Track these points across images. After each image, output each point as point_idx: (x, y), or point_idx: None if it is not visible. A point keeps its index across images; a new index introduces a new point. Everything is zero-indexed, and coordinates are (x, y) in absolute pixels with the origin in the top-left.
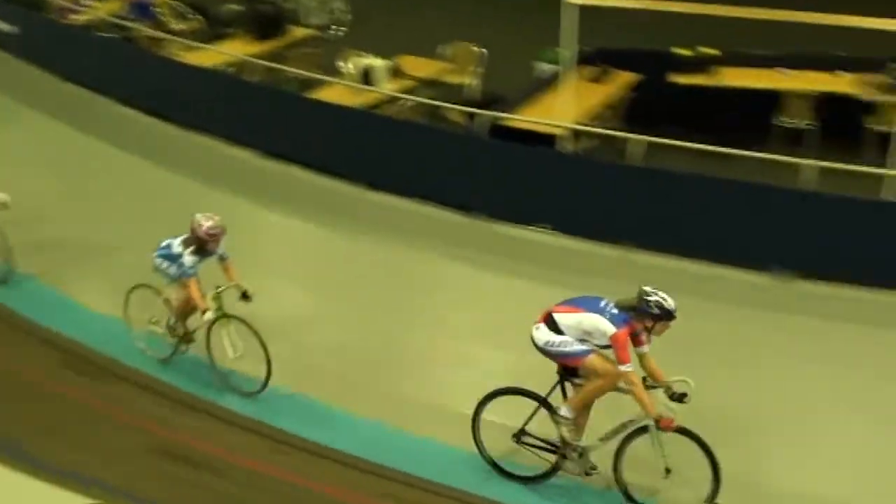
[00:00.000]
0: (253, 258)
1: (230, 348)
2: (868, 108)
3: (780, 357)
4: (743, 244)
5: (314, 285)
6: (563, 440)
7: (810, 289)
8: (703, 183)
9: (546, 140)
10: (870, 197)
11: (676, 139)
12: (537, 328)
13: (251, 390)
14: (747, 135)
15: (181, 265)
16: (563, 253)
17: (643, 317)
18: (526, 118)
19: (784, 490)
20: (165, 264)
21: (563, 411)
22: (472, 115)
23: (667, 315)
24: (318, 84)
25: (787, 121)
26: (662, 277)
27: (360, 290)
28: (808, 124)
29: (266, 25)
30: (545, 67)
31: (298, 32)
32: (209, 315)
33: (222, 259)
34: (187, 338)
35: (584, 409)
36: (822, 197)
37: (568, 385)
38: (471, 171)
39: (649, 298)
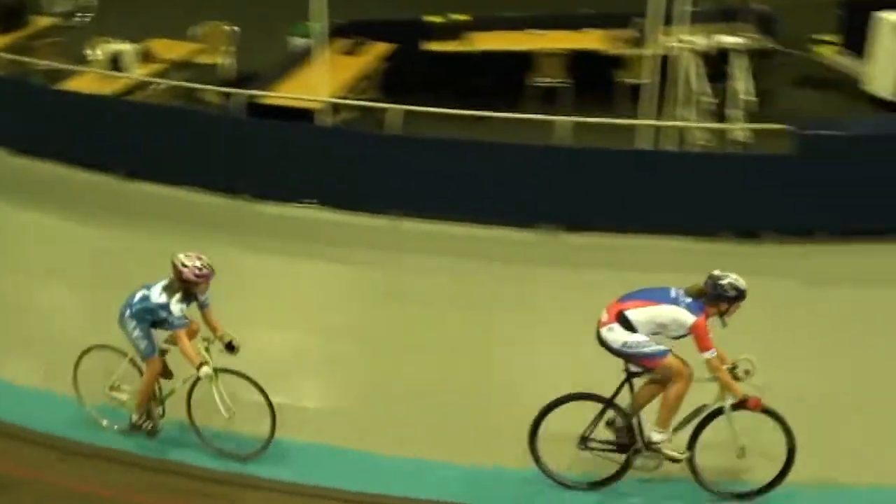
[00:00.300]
0: (9, 261)
1: (222, 407)
2: (617, 62)
3: (555, 311)
4: (507, 203)
5: (78, 284)
6: (671, 459)
7: (576, 240)
8: (462, 147)
9: (304, 115)
10: (625, 147)
11: (434, 106)
12: (610, 329)
13: (249, 451)
14: (504, 96)
15: (169, 322)
16: (332, 227)
17: (718, 301)
18: (282, 94)
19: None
20: (138, 332)
21: (657, 437)
22: (227, 95)
23: (741, 296)
24: (66, 74)
25: (541, 80)
26: (433, 242)
27: (127, 286)
28: (561, 82)
29: (7, 16)
30: (299, 42)
31: (42, 22)
32: (207, 370)
33: (203, 306)
34: (153, 431)
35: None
36: (580, 151)
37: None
38: (231, 151)
39: (723, 282)
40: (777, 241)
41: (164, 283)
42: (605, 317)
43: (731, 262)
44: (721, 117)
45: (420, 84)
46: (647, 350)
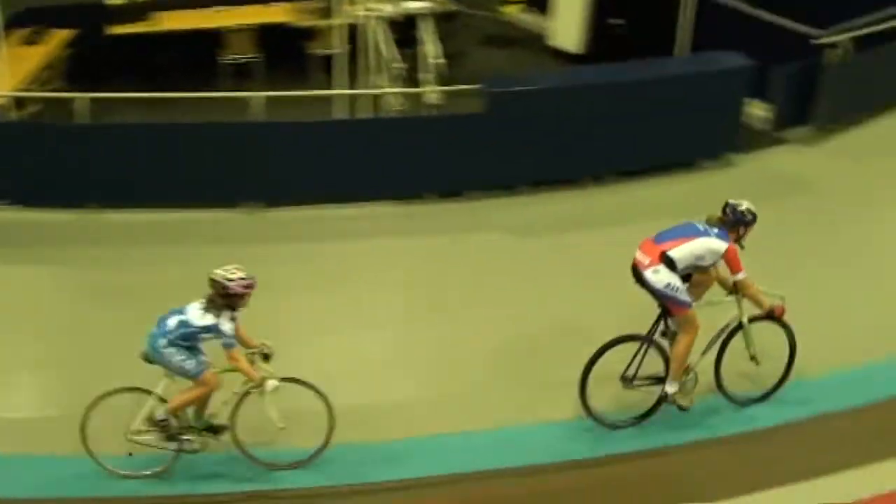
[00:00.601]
0: None
1: (276, 418)
2: (307, 34)
3: (276, 287)
4: (207, 184)
5: None
6: (681, 408)
7: (281, 216)
8: (157, 131)
9: None
10: (322, 118)
11: (125, 91)
12: (655, 271)
13: (299, 459)
14: (196, 76)
15: (220, 336)
16: (32, 227)
17: (737, 226)
18: None
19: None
20: (180, 356)
21: (671, 389)
22: None
23: (755, 219)
24: None
25: (231, 57)
26: (139, 232)
27: None
28: (251, 58)
29: None
30: None
31: None
32: (274, 383)
33: (233, 320)
34: (172, 435)
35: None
36: (276, 126)
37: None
38: None
39: (741, 208)
40: (479, 197)
41: (198, 304)
42: (645, 259)
43: (438, 222)
44: (413, 82)
45: (108, 69)
46: (681, 297)
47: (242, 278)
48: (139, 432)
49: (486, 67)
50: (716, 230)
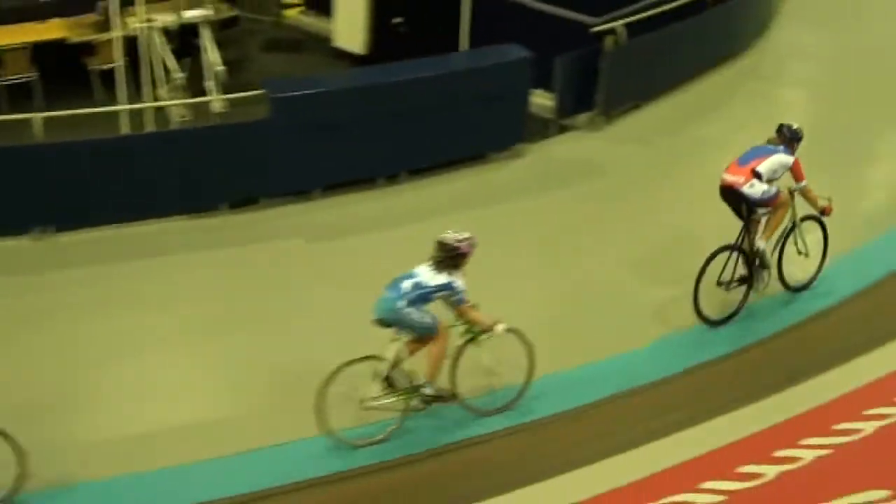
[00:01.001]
0: None
1: (493, 365)
2: (87, 49)
3: (69, 312)
4: None
5: None
6: (763, 266)
7: (71, 239)
8: None
9: None
10: (106, 135)
11: None
12: (751, 185)
13: (504, 403)
14: None
15: (454, 293)
16: None
17: (793, 142)
18: None
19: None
20: (419, 314)
21: (761, 245)
22: None
23: (803, 136)
24: None
25: (8, 77)
26: None
27: None
28: (29, 77)
29: None
30: None
31: None
32: (504, 326)
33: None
34: (453, 394)
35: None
36: (58, 146)
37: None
38: None
39: (795, 127)
40: (274, 204)
41: (427, 267)
42: (740, 179)
43: (232, 233)
44: (197, 91)
45: None
46: (774, 193)
47: (469, 238)
48: (375, 398)
49: (270, 72)
50: (781, 147)
